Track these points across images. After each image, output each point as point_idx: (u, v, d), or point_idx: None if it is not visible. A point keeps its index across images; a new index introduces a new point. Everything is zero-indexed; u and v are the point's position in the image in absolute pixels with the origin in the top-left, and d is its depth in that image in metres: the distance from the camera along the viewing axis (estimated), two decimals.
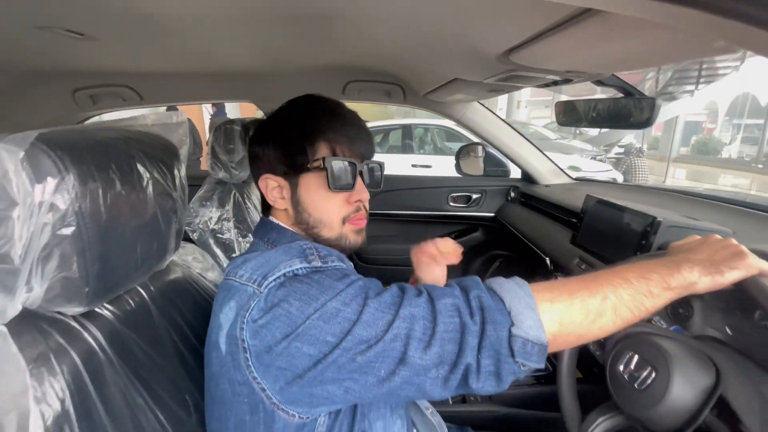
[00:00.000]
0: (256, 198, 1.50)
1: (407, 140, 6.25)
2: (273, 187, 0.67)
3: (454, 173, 2.01)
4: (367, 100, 1.72)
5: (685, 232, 0.87)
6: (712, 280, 0.54)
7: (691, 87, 10.59)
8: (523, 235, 1.68)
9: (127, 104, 1.69)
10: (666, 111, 11.04)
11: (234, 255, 1.35)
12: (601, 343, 0.86)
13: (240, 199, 1.44)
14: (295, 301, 0.50)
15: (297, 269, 0.53)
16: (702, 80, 10.43)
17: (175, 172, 0.61)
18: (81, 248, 0.43)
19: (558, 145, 8.18)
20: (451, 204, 2.04)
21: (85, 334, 0.49)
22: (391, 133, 6.41)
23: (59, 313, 0.48)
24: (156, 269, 0.63)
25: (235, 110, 7.64)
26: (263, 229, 0.69)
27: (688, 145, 15.31)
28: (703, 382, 0.59)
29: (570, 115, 1.06)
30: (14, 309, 0.42)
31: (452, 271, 0.84)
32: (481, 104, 1.73)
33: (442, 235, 0.88)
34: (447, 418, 0.82)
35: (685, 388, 0.58)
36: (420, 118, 6.91)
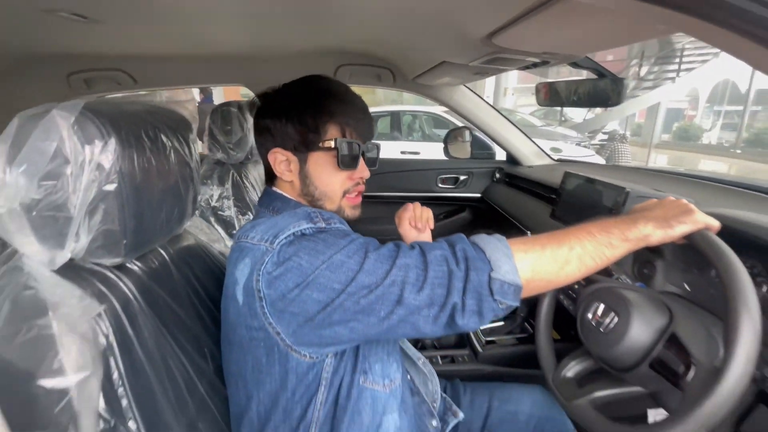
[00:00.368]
0: (253, 178, 1.56)
1: (395, 127, 6.28)
2: (281, 160, 0.73)
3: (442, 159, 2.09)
4: (358, 84, 1.77)
5: None
6: (664, 233, 0.62)
7: (673, 74, 10.80)
8: (507, 213, 1.77)
9: (121, 88, 1.71)
10: (648, 98, 11.26)
11: (234, 231, 1.41)
12: (574, 299, 0.95)
13: (238, 178, 1.49)
14: (305, 255, 0.56)
15: (304, 229, 0.60)
16: (683, 67, 10.65)
17: (191, 143, 0.68)
18: (121, 204, 0.50)
19: (543, 132, 8.30)
20: (440, 185, 2.12)
21: (121, 284, 0.56)
22: (380, 120, 6.43)
23: (97, 264, 0.55)
24: (175, 232, 0.70)
25: (219, 97, 7.55)
26: (268, 198, 0.75)
27: (670, 132, 15.63)
28: (658, 323, 0.68)
29: (549, 96, 1.14)
30: (63, 257, 0.49)
31: None
32: (468, 88, 1.80)
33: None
34: (437, 375, 0.91)
35: (642, 329, 0.67)
36: (408, 104, 6.93)
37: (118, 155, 0.48)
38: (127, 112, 0.53)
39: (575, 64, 1.00)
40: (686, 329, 0.66)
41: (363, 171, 0.76)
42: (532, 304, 1.33)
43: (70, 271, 0.51)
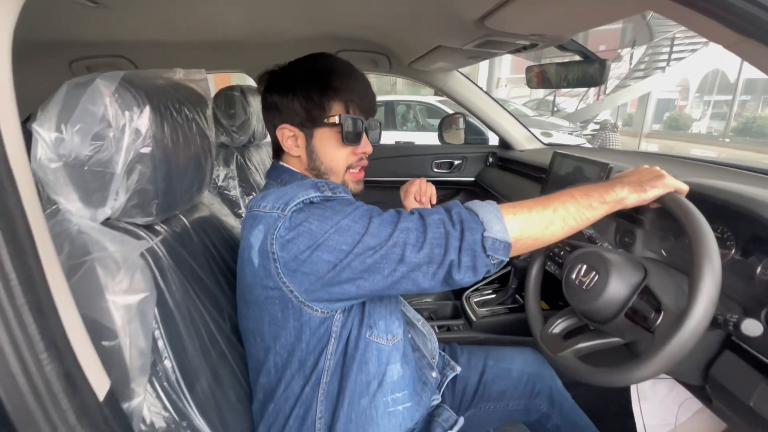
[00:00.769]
0: (256, 161, 1.61)
1: (390, 117, 6.30)
2: (289, 136, 0.78)
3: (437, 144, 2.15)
4: None
5: None
6: (638, 195, 0.68)
7: (663, 63, 10.90)
8: (500, 195, 1.84)
9: None
10: (639, 88, 11.36)
11: (239, 210, 1.47)
12: (560, 264, 1.02)
13: (242, 160, 1.55)
14: (315, 221, 0.61)
15: (312, 197, 0.64)
16: (673, 56, 10.75)
17: (208, 118, 0.73)
18: (154, 166, 0.56)
19: (536, 122, 8.38)
20: (435, 170, 2.19)
21: (151, 241, 0.62)
22: None
23: (130, 224, 0.61)
24: (195, 200, 0.76)
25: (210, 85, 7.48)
26: (275, 172, 0.81)
27: (661, 122, 15.79)
28: (633, 279, 0.75)
29: (538, 77, 1.20)
30: (104, 214, 0.55)
31: None
32: (462, 73, 1.86)
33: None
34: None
35: (619, 284, 0.74)
36: (401, 95, 6.94)
37: (152, 122, 0.54)
38: (156, 85, 0.59)
39: (562, 47, 1.07)
40: (658, 282, 0.72)
41: (366, 146, 0.81)
42: (522, 277, 1.41)
43: (109, 227, 0.57)
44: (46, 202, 0.54)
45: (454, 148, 2.15)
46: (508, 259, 0.63)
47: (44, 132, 0.46)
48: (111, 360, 0.41)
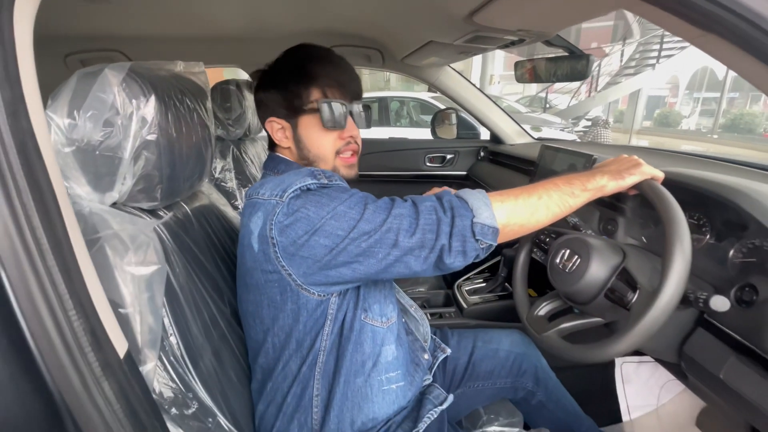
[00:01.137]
0: (252, 154, 1.64)
1: (383, 113, 6.31)
2: (277, 128, 0.81)
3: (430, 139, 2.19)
4: None
5: None
6: (616, 183, 0.72)
7: (653, 60, 11.02)
8: (491, 188, 1.87)
9: None
10: (630, 84, 11.49)
11: (236, 202, 1.50)
12: (546, 250, 1.07)
13: (238, 153, 1.57)
14: (312, 207, 0.64)
15: (309, 184, 0.66)
16: (663, 53, 10.88)
17: (207, 109, 0.76)
18: (159, 153, 0.59)
19: (528, 118, 8.46)
20: (428, 164, 2.22)
21: (160, 220, 0.65)
22: None
23: (134, 208, 0.64)
24: (197, 188, 0.79)
25: None
26: (272, 162, 0.84)
27: (652, 119, 15.97)
28: (613, 261, 0.79)
29: (527, 71, 1.25)
30: (111, 198, 0.58)
31: None
32: (453, 69, 1.89)
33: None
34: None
35: (599, 267, 0.78)
36: (395, 91, 6.95)
37: (157, 111, 0.57)
38: (160, 76, 0.62)
39: (548, 43, 1.11)
40: (635, 264, 0.77)
41: (352, 130, 0.81)
42: (511, 266, 1.45)
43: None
44: None
45: (447, 143, 2.19)
46: (496, 244, 0.66)
47: (57, 118, 0.49)
48: (126, 327, 0.45)
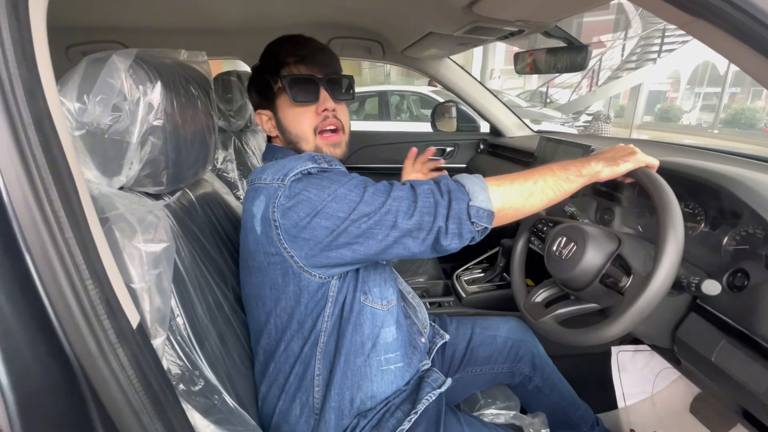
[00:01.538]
0: (253, 145, 1.65)
1: (383, 107, 6.29)
2: (265, 120, 0.85)
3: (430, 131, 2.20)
4: (349, 57, 1.85)
5: None
6: (611, 170, 0.74)
7: (654, 54, 10.98)
8: None
9: None
10: (631, 79, 11.45)
11: (238, 192, 1.51)
12: (543, 239, 1.09)
13: (239, 144, 1.59)
14: (313, 189, 0.65)
15: (310, 168, 0.68)
16: (664, 48, 10.83)
17: (211, 97, 0.78)
18: (165, 138, 0.61)
19: (529, 113, 8.45)
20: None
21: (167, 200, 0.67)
22: (368, 100, 6.42)
23: (140, 193, 0.66)
24: (200, 175, 0.81)
25: None
26: (270, 152, 0.86)
27: (652, 114, 15.93)
28: (608, 248, 0.81)
29: (526, 63, 1.26)
30: (119, 182, 0.60)
31: None
32: (453, 61, 1.90)
33: None
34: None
35: (595, 253, 0.80)
36: (395, 85, 6.93)
37: (163, 97, 0.59)
38: (165, 64, 0.64)
39: (547, 34, 1.12)
40: (630, 251, 0.78)
41: (325, 102, 0.80)
42: (509, 256, 1.47)
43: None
44: None
45: (447, 136, 2.20)
46: (491, 227, 0.68)
47: (68, 102, 0.51)
48: (136, 302, 0.46)
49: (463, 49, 1.51)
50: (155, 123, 0.58)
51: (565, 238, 0.86)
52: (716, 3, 0.40)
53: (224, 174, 1.50)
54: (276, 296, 0.74)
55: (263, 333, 0.78)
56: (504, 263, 1.46)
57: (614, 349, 1.31)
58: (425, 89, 6.46)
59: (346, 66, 0.92)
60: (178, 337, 0.60)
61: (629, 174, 0.77)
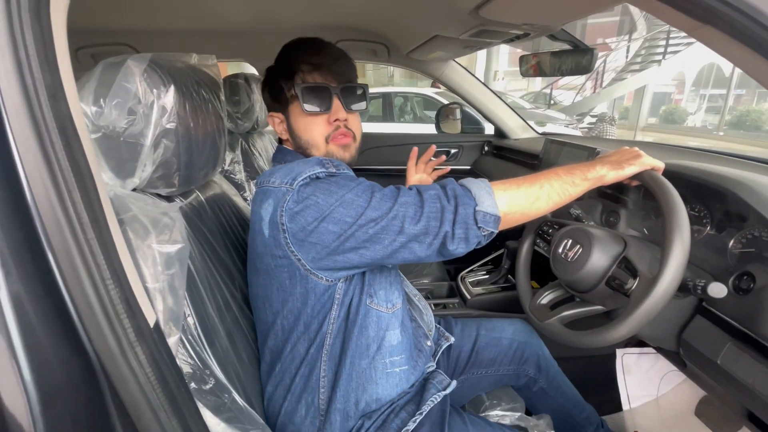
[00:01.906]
0: (260, 147, 1.66)
1: (387, 109, 6.29)
2: (277, 122, 0.85)
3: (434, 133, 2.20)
4: (355, 59, 1.85)
5: None
6: (616, 173, 0.74)
7: (659, 56, 10.94)
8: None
9: None
10: (635, 81, 11.41)
11: (245, 194, 1.52)
12: (548, 241, 1.09)
13: (246, 146, 1.60)
14: (321, 194, 0.66)
15: (318, 173, 0.69)
16: (669, 49, 10.79)
17: (221, 100, 0.79)
18: (177, 141, 0.62)
19: (533, 115, 8.43)
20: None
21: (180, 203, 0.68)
22: (371, 102, 6.43)
23: (152, 194, 0.67)
24: (211, 177, 0.82)
25: None
26: (280, 154, 0.86)
27: (657, 115, 15.86)
28: (614, 251, 0.81)
29: (531, 66, 1.26)
30: (132, 183, 0.61)
31: None
32: (458, 63, 1.91)
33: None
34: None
35: (601, 255, 0.80)
36: (399, 86, 6.94)
37: (176, 100, 0.60)
38: (178, 68, 0.65)
39: (553, 37, 1.12)
40: (636, 253, 0.78)
41: (338, 112, 0.79)
42: (514, 258, 1.48)
43: None
44: None
45: (451, 137, 2.21)
46: (497, 232, 0.68)
47: (84, 105, 0.52)
48: (153, 300, 0.47)
49: (469, 51, 1.52)
50: (168, 126, 0.59)
51: (571, 241, 0.86)
52: (723, 9, 0.41)
53: (231, 175, 1.51)
54: (283, 298, 0.75)
55: (270, 334, 0.79)
56: (509, 265, 1.46)
57: (619, 352, 1.31)
58: (429, 91, 6.47)
59: None
60: (189, 337, 0.61)
61: (635, 177, 0.77)
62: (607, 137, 7.80)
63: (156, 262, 0.49)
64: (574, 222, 1.02)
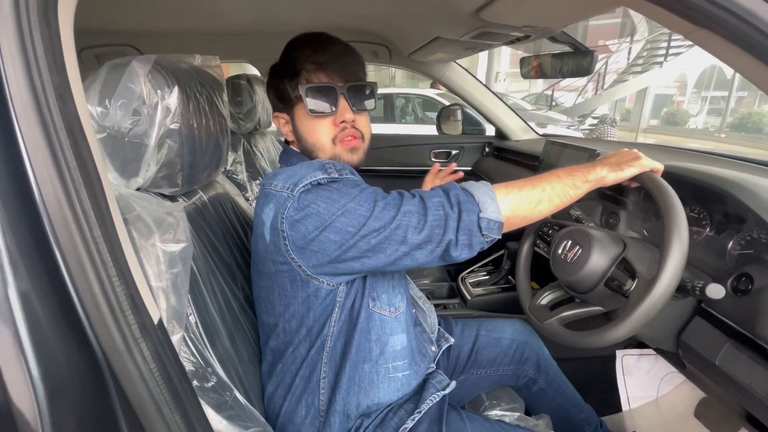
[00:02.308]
0: (262, 148, 1.67)
1: (388, 110, 6.30)
2: (283, 123, 0.83)
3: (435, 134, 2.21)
4: None
5: None
6: (616, 174, 0.74)
7: (660, 58, 10.93)
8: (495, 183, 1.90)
9: None
10: (637, 83, 11.41)
11: (246, 194, 1.53)
12: (549, 242, 1.10)
13: (249, 147, 1.61)
14: (322, 203, 0.64)
15: (320, 179, 0.67)
16: (671, 51, 10.79)
17: (224, 100, 0.79)
18: (181, 141, 0.62)
19: (534, 116, 8.44)
20: (433, 160, 2.25)
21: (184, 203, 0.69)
22: None
23: (156, 194, 0.68)
24: (213, 177, 0.83)
25: None
26: (286, 155, 0.86)
27: (659, 117, 15.85)
28: (613, 252, 0.81)
29: (532, 68, 1.27)
30: (136, 183, 0.61)
31: None
32: (459, 65, 1.91)
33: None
34: None
35: (600, 257, 0.80)
36: (400, 87, 6.95)
37: (180, 101, 0.61)
38: (182, 69, 0.66)
39: (553, 39, 1.13)
40: (635, 254, 0.79)
41: (344, 113, 0.76)
42: (514, 259, 1.48)
43: None
44: None
45: (452, 139, 2.21)
46: (500, 237, 0.68)
47: (90, 106, 0.53)
48: (156, 298, 0.48)
49: (470, 53, 1.53)
50: (172, 126, 0.60)
51: (570, 242, 0.87)
52: (719, 13, 0.41)
53: (234, 176, 1.52)
54: (285, 301, 0.75)
55: (272, 334, 0.79)
56: (509, 266, 1.47)
57: (619, 353, 1.31)
58: (430, 92, 6.48)
59: None
60: (191, 335, 0.61)
61: (634, 178, 0.77)
62: (608, 139, 7.79)
63: (160, 261, 0.50)
64: (574, 223, 1.02)
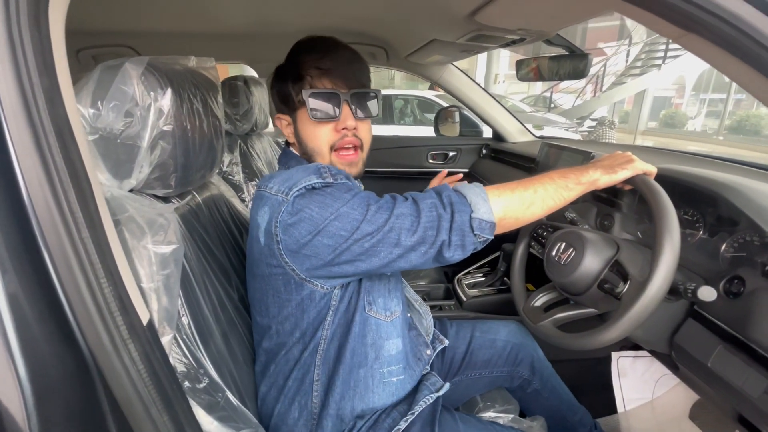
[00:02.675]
0: (258, 149, 1.68)
1: (387, 111, 6.31)
2: (285, 124, 0.83)
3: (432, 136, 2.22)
4: None
5: None
6: (609, 177, 0.74)
7: (659, 61, 10.97)
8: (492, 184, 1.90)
9: None
10: (636, 85, 11.44)
11: (242, 195, 1.54)
12: (543, 244, 1.10)
13: (245, 148, 1.61)
14: (315, 207, 0.64)
15: (314, 183, 0.66)
16: (669, 54, 10.82)
17: (218, 102, 0.80)
18: (174, 143, 0.63)
19: (532, 118, 8.46)
20: (431, 161, 2.25)
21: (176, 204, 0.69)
22: None
23: (149, 195, 0.68)
24: (207, 178, 0.83)
25: None
26: (285, 157, 0.86)
27: (657, 119, 15.88)
28: (606, 254, 0.81)
29: (529, 68, 1.27)
30: (129, 184, 0.62)
31: None
32: (457, 67, 1.92)
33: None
34: None
35: (593, 259, 0.81)
36: (399, 89, 6.96)
37: (173, 103, 0.61)
38: (175, 70, 0.66)
39: (549, 42, 1.14)
40: (628, 257, 0.79)
41: (346, 120, 0.76)
42: (510, 261, 1.49)
43: None
44: None
45: (450, 140, 2.22)
46: (492, 238, 0.68)
47: (82, 107, 0.53)
48: (147, 299, 0.48)
49: (466, 55, 1.53)
50: (165, 128, 0.60)
51: (564, 244, 0.87)
52: (706, 18, 0.42)
53: (230, 177, 1.52)
54: (279, 304, 0.75)
55: (266, 335, 0.79)
56: (505, 268, 1.47)
57: (614, 355, 1.32)
58: (429, 93, 6.49)
59: None
60: (184, 336, 0.62)
61: (627, 181, 0.77)
62: (607, 141, 7.81)
63: (151, 262, 0.50)
64: (569, 225, 1.03)
